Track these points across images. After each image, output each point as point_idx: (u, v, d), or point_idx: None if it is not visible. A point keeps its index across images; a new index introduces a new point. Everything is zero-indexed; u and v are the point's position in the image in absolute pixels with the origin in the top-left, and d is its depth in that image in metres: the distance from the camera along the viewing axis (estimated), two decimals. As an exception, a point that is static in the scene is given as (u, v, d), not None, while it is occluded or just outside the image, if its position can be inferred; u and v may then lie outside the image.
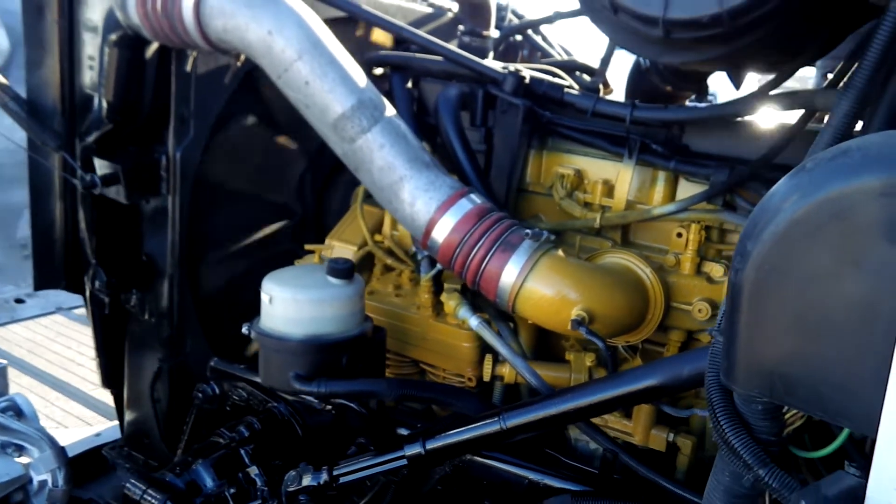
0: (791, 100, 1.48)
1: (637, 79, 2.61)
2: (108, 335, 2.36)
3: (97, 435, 2.66)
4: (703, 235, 1.71)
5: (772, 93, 1.51)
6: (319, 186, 2.52)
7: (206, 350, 2.28)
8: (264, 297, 1.69)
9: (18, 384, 4.14)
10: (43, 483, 1.92)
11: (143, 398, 2.36)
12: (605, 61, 2.46)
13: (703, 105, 1.65)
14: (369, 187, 1.73)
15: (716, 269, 1.71)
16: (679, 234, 1.76)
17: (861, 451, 1.36)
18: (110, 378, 2.44)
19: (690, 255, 1.72)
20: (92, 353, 2.60)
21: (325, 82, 1.62)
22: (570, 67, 2.54)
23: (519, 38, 3.04)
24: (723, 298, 1.69)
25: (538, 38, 3.06)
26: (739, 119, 1.69)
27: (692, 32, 1.03)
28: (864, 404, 0.86)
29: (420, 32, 2.00)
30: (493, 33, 2.79)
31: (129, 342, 2.36)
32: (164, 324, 2.24)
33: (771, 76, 1.58)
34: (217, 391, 2.16)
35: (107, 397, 2.63)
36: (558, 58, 2.97)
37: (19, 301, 4.46)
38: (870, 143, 0.86)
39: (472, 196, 1.68)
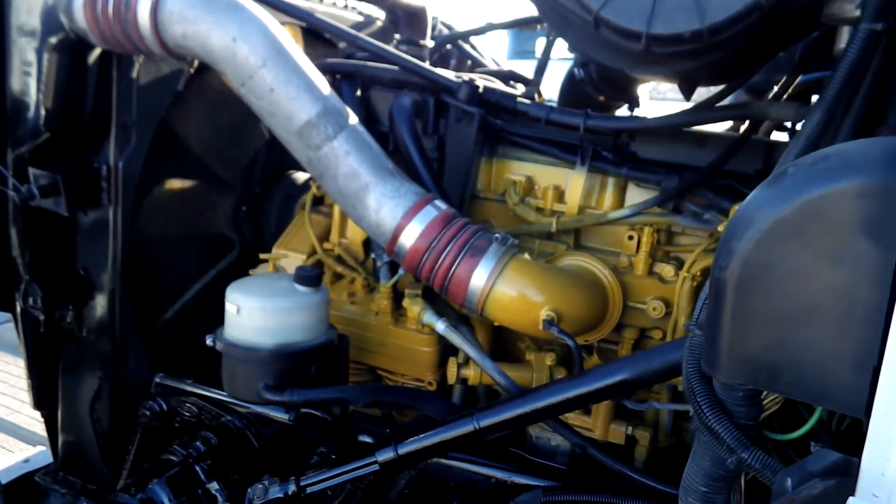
0: (742, 110, 1.60)
1: (571, 88, 2.72)
2: (42, 354, 2.24)
3: (26, 461, 2.51)
4: (654, 238, 1.80)
5: (720, 104, 1.62)
6: (253, 211, 2.50)
7: (148, 366, 2.20)
8: (230, 308, 1.66)
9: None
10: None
11: (80, 419, 2.25)
12: (540, 71, 2.56)
13: (657, 116, 1.74)
14: (333, 194, 1.73)
15: (667, 270, 1.81)
16: (630, 237, 1.85)
17: (828, 432, 1.48)
18: (43, 399, 2.31)
19: (643, 257, 1.81)
20: (4, 376, 2.45)
21: (290, 89, 1.61)
22: (505, 76, 2.62)
23: (448, 47, 3.09)
24: (674, 296, 1.79)
25: (468, 48, 3.12)
26: (686, 129, 1.80)
27: (671, 48, 1.10)
28: (846, 386, 0.94)
29: (375, 42, 2.01)
30: (429, 43, 2.84)
31: (64, 361, 2.25)
32: (104, 340, 2.15)
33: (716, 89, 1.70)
34: (165, 408, 2.10)
35: (26, 421, 2.49)
36: (492, 67, 3.05)
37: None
38: (847, 149, 0.95)
39: (437, 202, 1.71)
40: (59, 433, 2.35)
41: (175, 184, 2.24)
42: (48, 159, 1.99)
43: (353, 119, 1.71)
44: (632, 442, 1.82)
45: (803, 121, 1.15)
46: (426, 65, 2.00)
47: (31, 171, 1.99)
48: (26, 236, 2.10)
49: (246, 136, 2.38)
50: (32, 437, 2.59)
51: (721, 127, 2.05)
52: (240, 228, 2.46)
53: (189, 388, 2.10)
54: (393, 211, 1.67)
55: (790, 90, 1.68)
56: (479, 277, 1.62)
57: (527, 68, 2.76)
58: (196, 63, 1.89)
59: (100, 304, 2.14)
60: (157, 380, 2.15)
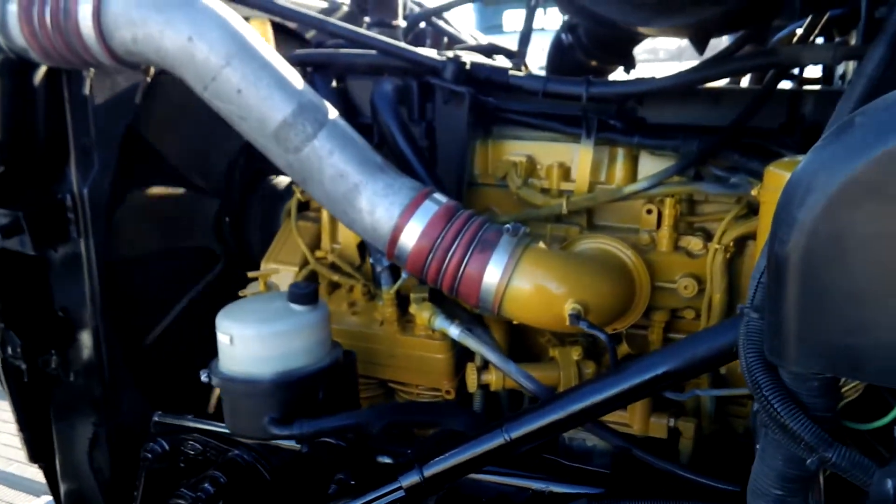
0: (768, 58, 1.43)
1: (559, 56, 2.56)
2: (30, 405, 2.08)
3: (28, 516, 2.36)
4: (677, 210, 1.64)
5: (739, 55, 1.46)
6: (235, 221, 2.33)
7: (144, 405, 2.05)
8: (223, 338, 1.50)
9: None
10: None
11: (80, 469, 2.09)
12: (524, 41, 2.39)
13: (668, 75, 1.58)
14: (320, 200, 1.56)
15: (693, 243, 1.65)
16: (649, 211, 1.69)
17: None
18: (38, 452, 2.15)
19: (667, 232, 1.65)
20: (1, 425, 2.30)
21: (259, 88, 1.44)
22: (487, 51, 2.44)
23: (422, 25, 2.91)
24: (705, 272, 1.63)
25: (443, 24, 2.95)
26: (699, 86, 1.64)
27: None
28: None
29: (347, 25, 1.83)
30: (402, 23, 2.66)
31: (55, 409, 2.08)
32: (94, 383, 1.99)
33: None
34: (167, 447, 1.94)
35: (28, 471, 2.34)
36: (471, 43, 2.87)
37: None
38: (928, 88, 0.80)
39: (436, 195, 1.55)
40: (60, 484, 2.19)
41: (150, 194, 2.06)
42: (8, 195, 1.82)
43: (333, 113, 1.54)
44: (675, 434, 1.67)
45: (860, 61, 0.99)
46: (404, 45, 1.82)
47: (-11, 210, 1.82)
48: (-5, 282, 1.93)
49: (222, 138, 2.20)
50: (36, 487, 2.44)
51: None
52: (223, 240, 2.30)
53: (190, 424, 1.94)
54: (388, 210, 1.50)
55: (817, 30, 1.50)
56: (493, 274, 1.46)
57: (498, 43, 2.60)
58: (152, 71, 1.72)
59: (84, 344, 1.98)
60: (156, 418, 2.00)
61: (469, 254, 1.46)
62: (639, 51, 2.50)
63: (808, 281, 0.85)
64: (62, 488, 2.18)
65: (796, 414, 0.93)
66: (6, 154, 1.76)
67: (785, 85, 1.96)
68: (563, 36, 2.42)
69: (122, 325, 1.99)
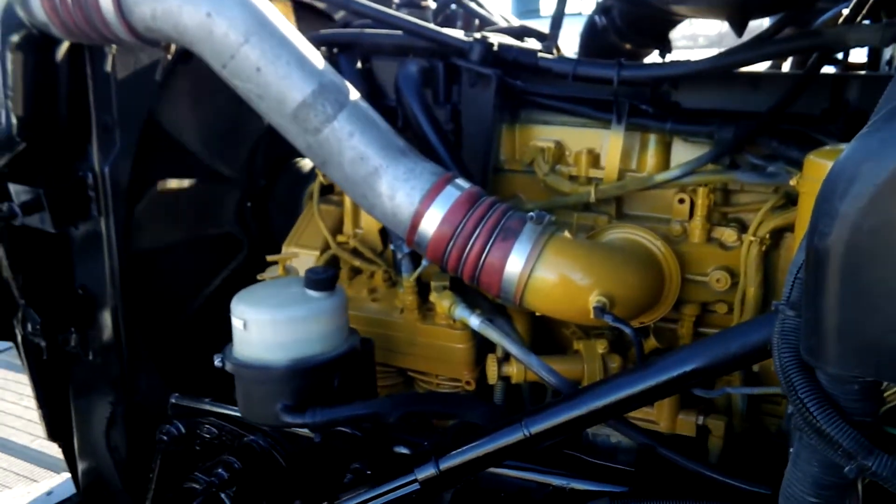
0: (811, 40, 1.35)
1: (592, 39, 2.48)
2: (49, 383, 2.08)
3: (49, 493, 2.38)
4: (711, 199, 1.57)
5: (778, 36, 1.38)
6: (258, 207, 2.30)
7: (162, 386, 2.03)
8: (237, 323, 1.46)
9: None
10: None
11: (97, 447, 2.09)
12: (557, 24, 2.31)
13: (704, 58, 1.50)
14: (340, 183, 1.52)
15: (727, 234, 1.58)
16: (681, 201, 1.62)
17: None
18: (56, 429, 2.16)
19: (700, 222, 1.58)
20: (27, 401, 2.32)
21: (279, 67, 1.40)
22: (518, 33, 2.37)
23: (453, 7, 2.85)
24: (739, 265, 1.56)
25: (474, 6, 2.88)
26: (736, 70, 1.56)
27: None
28: None
29: (372, 4, 1.78)
30: (431, 4, 2.60)
31: (73, 388, 2.08)
32: (112, 362, 1.98)
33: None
34: (183, 430, 1.92)
35: (50, 447, 2.35)
36: (502, 25, 2.80)
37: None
38: None
39: (458, 181, 1.49)
40: (78, 462, 2.20)
41: (171, 184, 2.04)
42: (29, 172, 1.81)
43: (354, 94, 1.49)
44: (704, 432, 1.61)
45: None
46: (430, 25, 1.76)
47: (11, 186, 1.81)
48: (16, 259, 1.92)
49: (243, 123, 2.17)
50: (57, 464, 2.46)
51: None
52: (246, 226, 2.27)
53: (207, 408, 1.92)
54: (409, 195, 1.46)
55: (864, 10, 1.42)
56: (515, 263, 1.41)
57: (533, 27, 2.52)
58: (173, 48, 1.69)
59: (103, 323, 1.97)
60: (173, 400, 1.99)
61: (491, 242, 1.41)
62: (677, 37, 2.41)
63: (850, 277, 0.79)
64: (80, 466, 2.19)
65: (834, 418, 0.87)
66: (28, 131, 1.75)
67: (828, 71, 1.88)
68: (597, 18, 2.34)
69: (143, 309, 1.98)
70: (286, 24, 1.45)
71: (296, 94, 1.41)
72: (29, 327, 1.95)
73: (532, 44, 2.29)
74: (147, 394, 2.03)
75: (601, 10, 2.29)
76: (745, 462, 1.56)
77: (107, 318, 1.95)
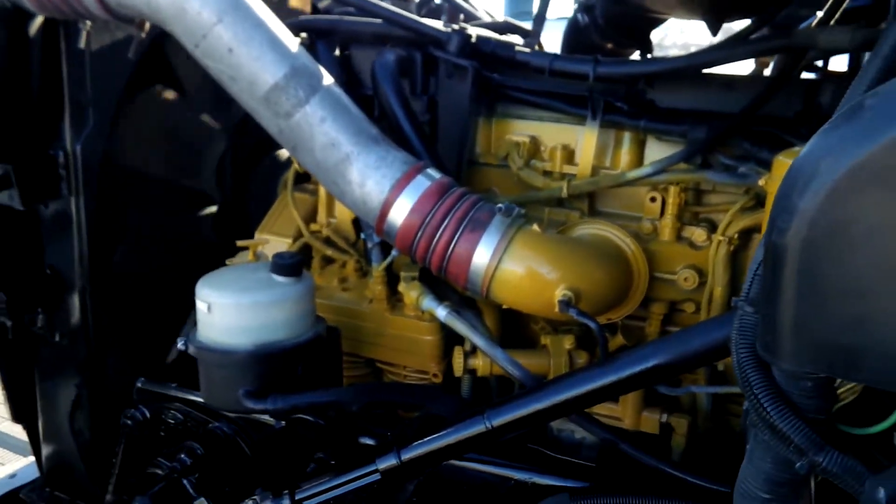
0: (782, 41, 1.35)
1: (575, 37, 2.48)
2: (14, 363, 2.05)
3: (12, 476, 2.34)
4: (682, 198, 1.57)
5: (753, 37, 1.38)
6: (240, 169, 2.27)
7: (129, 370, 2.01)
8: (201, 306, 1.45)
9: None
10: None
11: (61, 431, 2.07)
12: (539, 21, 2.31)
13: (674, 55, 1.50)
14: (311, 168, 1.51)
15: (697, 234, 1.58)
16: (653, 199, 1.62)
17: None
18: (21, 411, 2.13)
19: (670, 220, 1.58)
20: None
21: (251, 48, 1.38)
22: (501, 29, 2.36)
23: (438, 1, 2.83)
24: (707, 264, 1.57)
25: (460, 1, 2.87)
26: (711, 70, 1.56)
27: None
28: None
29: (351, -9, 1.77)
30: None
31: (39, 369, 2.06)
32: (79, 344, 1.96)
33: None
34: (148, 415, 1.91)
35: (16, 430, 2.32)
36: (487, 20, 2.79)
37: None
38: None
39: (429, 171, 1.48)
40: (42, 445, 2.17)
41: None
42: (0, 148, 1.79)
43: (328, 80, 1.48)
44: (667, 430, 1.61)
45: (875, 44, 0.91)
46: (408, 14, 1.76)
47: (-20, 163, 1.79)
48: (-17, 235, 1.90)
49: None
50: (24, 447, 2.43)
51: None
52: (223, 186, 2.24)
53: (172, 394, 1.91)
54: (379, 184, 1.45)
55: (838, 14, 1.42)
56: (482, 255, 1.40)
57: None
58: (147, 26, 1.67)
59: (71, 305, 1.94)
60: (139, 385, 1.97)
61: (459, 233, 1.41)
62: (668, 45, 2.42)
63: (806, 273, 0.79)
64: (44, 451, 2.16)
65: (787, 414, 0.88)
66: (-1, 107, 1.73)
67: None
68: (580, 16, 2.34)
69: (109, 283, 1.95)
70: (261, 7, 1.44)
71: (267, 76, 1.40)
72: (-5, 306, 1.93)
73: (515, 40, 2.30)
74: (113, 378, 2.01)
75: (583, 7, 2.29)
76: (710, 461, 1.57)
77: (75, 299, 1.93)
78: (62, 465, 2.13)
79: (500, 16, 2.95)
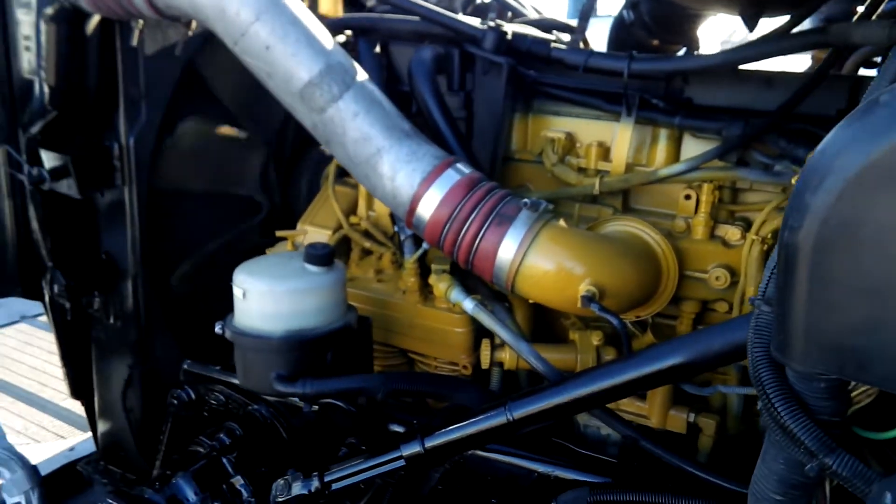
0: (817, 37, 1.32)
1: (620, 34, 2.46)
2: (73, 342, 2.17)
3: (71, 449, 2.48)
4: (716, 196, 1.56)
5: (787, 34, 1.35)
6: (283, 174, 2.34)
7: (177, 353, 2.11)
8: (237, 292, 1.51)
9: (-15, 399, 3.94)
10: (17, 505, 1.76)
11: (115, 408, 2.18)
12: (585, 17, 2.29)
13: (714, 53, 1.49)
14: (344, 162, 1.55)
15: (731, 232, 1.56)
16: (687, 197, 1.61)
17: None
18: (79, 388, 2.26)
19: (703, 219, 1.57)
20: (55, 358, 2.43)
21: (287, 45, 1.43)
22: (547, 26, 2.36)
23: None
24: (740, 263, 1.55)
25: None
26: (749, 67, 1.53)
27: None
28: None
29: (391, -12, 1.81)
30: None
31: (95, 349, 2.17)
32: (131, 327, 2.06)
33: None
34: (193, 396, 1.99)
35: (79, 407, 2.46)
36: (534, 17, 2.79)
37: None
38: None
39: (459, 165, 1.51)
40: (97, 422, 2.29)
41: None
42: (59, 139, 1.89)
43: (362, 76, 1.52)
44: (695, 430, 1.60)
45: None
46: (444, 11, 1.78)
47: (43, 153, 1.90)
48: (45, 221, 2.02)
49: None
50: (84, 422, 2.57)
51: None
52: (268, 192, 2.31)
53: (215, 376, 1.99)
54: (409, 177, 1.48)
55: (879, 10, 1.38)
56: (508, 249, 1.42)
57: (591, 30, 2.50)
58: (194, 25, 1.74)
59: (125, 290, 2.05)
60: (185, 366, 2.06)
61: (486, 227, 1.43)
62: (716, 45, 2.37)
63: (817, 273, 0.77)
64: (99, 427, 2.28)
65: (798, 415, 0.86)
66: (59, 100, 1.83)
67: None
68: (625, 13, 2.32)
69: (160, 271, 2.04)
70: (298, 5, 1.49)
71: (303, 73, 1.45)
72: (55, 289, 2.04)
73: (561, 37, 2.29)
74: (162, 359, 2.10)
75: (629, 5, 2.27)
76: (737, 464, 1.55)
77: (128, 284, 2.03)
78: (116, 441, 2.25)
79: (563, 16, 2.94)
